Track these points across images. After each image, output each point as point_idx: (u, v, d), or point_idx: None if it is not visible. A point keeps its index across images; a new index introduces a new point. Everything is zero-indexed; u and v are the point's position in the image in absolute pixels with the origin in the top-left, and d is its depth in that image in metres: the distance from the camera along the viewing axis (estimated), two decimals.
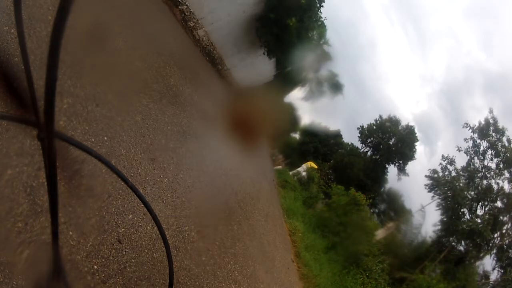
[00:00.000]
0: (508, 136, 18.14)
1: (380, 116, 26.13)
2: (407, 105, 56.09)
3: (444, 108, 52.77)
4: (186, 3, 8.81)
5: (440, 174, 19.76)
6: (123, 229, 2.79)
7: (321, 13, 10.78)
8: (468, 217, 17.86)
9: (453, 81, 44.49)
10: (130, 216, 2.94)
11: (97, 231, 2.51)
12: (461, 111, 42.52)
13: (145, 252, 2.90)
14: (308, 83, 18.12)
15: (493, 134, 18.50)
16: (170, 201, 3.89)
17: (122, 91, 4.10)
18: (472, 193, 18.14)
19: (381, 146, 24.98)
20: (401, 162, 24.79)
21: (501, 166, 18.03)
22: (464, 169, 19.12)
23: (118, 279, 2.47)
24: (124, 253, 2.66)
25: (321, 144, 26.76)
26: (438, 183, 19.40)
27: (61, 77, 2.92)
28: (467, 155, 19.28)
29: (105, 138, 3.22)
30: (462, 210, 18.02)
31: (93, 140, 3.03)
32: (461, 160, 20.71)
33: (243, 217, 6.51)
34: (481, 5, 56.30)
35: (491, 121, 18.70)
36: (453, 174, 19.30)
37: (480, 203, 17.88)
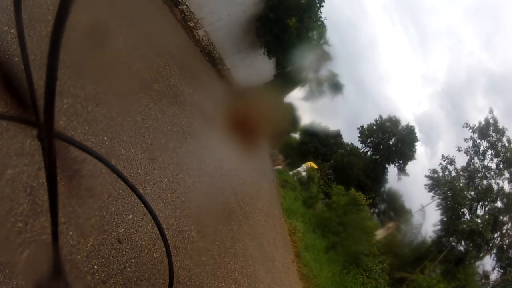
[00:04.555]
0: (508, 136, 18.17)
1: (380, 116, 26.16)
2: (408, 106, 56.15)
3: (445, 108, 52.69)
4: (186, 3, 8.81)
5: (440, 174, 19.78)
6: (123, 229, 2.79)
7: (321, 13, 10.79)
8: (468, 217, 17.86)
9: (455, 81, 44.49)
10: (130, 216, 2.94)
11: (97, 231, 2.51)
12: (463, 111, 42.51)
13: (145, 252, 2.90)
14: (308, 83, 18.10)
15: (493, 134, 18.51)
16: (170, 201, 3.89)
17: (122, 91, 4.10)
18: (472, 193, 18.14)
19: (381, 146, 24.98)
20: (401, 162, 24.78)
21: (501, 166, 18.03)
22: (464, 169, 19.13)
23: (118, 279, 2.47)
24: (124, 253, 2.66)
25: (321, 144, 26.77)
26: (438, 183, 19.40)
27: (61, 77, 2.92)
28: (467, 155, 19.31)
29: (105, 138, 3.22)
30: (462, 210, 18.02)
31: (93, 140, 3.03)
32: (461, 160, 20.75)
33: (243, 217, 6.51)
34: (483, 5, 56.28)
35: (491, 121, 18.73)
36: (453, 174, 19.31)
37: (480, 203, 17.88)
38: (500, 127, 18.41)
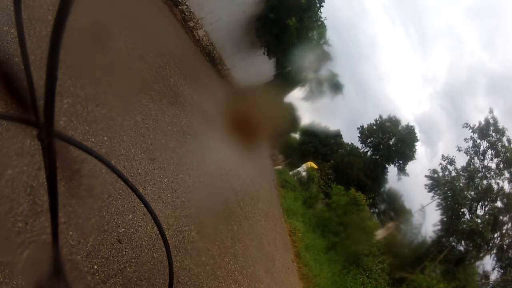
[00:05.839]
0: (508, 136, 18.16)
1: (380, 116, 26.16)
2: (408, 106, 56.18)
3: (446, 108, 52.76)
4: (186, 3, 8.81)
5: (440, 174, 19.77)
6: (123, 229, 2.79)
7: (321, 13, 10.77)
8: (468, 217, 17.85)
9: (456, 81, 44.47)
10: (130, 216, 2.94)
11: (97, 231, 2.51)
12: (463, 111, 42.54)
13: (145, 252, 2.89)
14: (308, 83, 18.07)
15: (493, 134, 18.50)
16: (170, 201, 3.89)
17: (122, 91, 4.10)
18: (472, 193, 18.12)
19: (381, 146, 24.97)
20: (401, 162, 24.78)
21: (501, 166, 18.02)
22: (464, 169, 19.12)
23: (118, 279, 2.47)
24: (124, 253, 2.66)
25: (321, 144, 26.78)
26: (438, 183, 19.40)
27: (61, 77, 2.92)
28: (467, 155, 19.30)
29: (105, 138, 3.22)
30: (462, 210, 18.02)
31: (93, 140, 3.03)
32: (461, 160, 20.74)
33: (243, 217, 6.51)
34: (483, 5, 56.22)
35: (491, 121, 18.72)
36: (453, 174, 19.30)
37: (480, 203, 17.86)
38: (500, 127, 18.42)
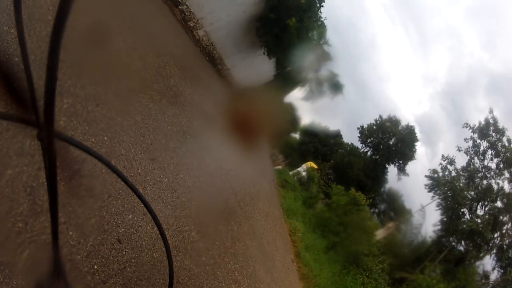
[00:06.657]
0: (508, 136, 18.16)
1: (380, 116, 26.16)
2: (408, 106, 56.19)
3: (446, 108, 52.81)
4: (186, 3, 8.81)
5: (440, 174, 19.77)
6: (123, 229, 2.79)
7: (321, 13, 10.78)
8: (468, 217, 17.86)
9: (456, 81, 44.51)
10: (130, 216, 2.94)
11: (97, 231, 2.51)
12: (464, 112, 42.58)
13: (145, 252, 2.90)
14: (308, 83, 18.07)
15: (493, 134, 18.50)
16: (170, 201, 3.89)
17: (122, 91, 4.10)
18: (472, 193, 18.12)
19: (381, 146, 24.97)
20: (401, 162, 24.78)
21: (501, 166, 18.02)
22: (464, 169, 19.12)
23: (118, 279, 2.47)
24: (124, 253, 2.66)
25: (321, 144, 26.80)
26: (438, 183, 19.39)
27: (61, 77, 2.92)
28: (467, 155, 19.30)
29: (105, 138, 3.22)
30: (462, 210, 18.02)
31: (93, 140, 3.03)
32: (461, 160, 20.74)
33: (243, 217, 6.51)
34: (484, 5, 56.24)
35: (491, 121, 18.72)
36: (453, 174, 19.30)
37: (480, 203, 17.86)
38: (500, 127, 18.43)
